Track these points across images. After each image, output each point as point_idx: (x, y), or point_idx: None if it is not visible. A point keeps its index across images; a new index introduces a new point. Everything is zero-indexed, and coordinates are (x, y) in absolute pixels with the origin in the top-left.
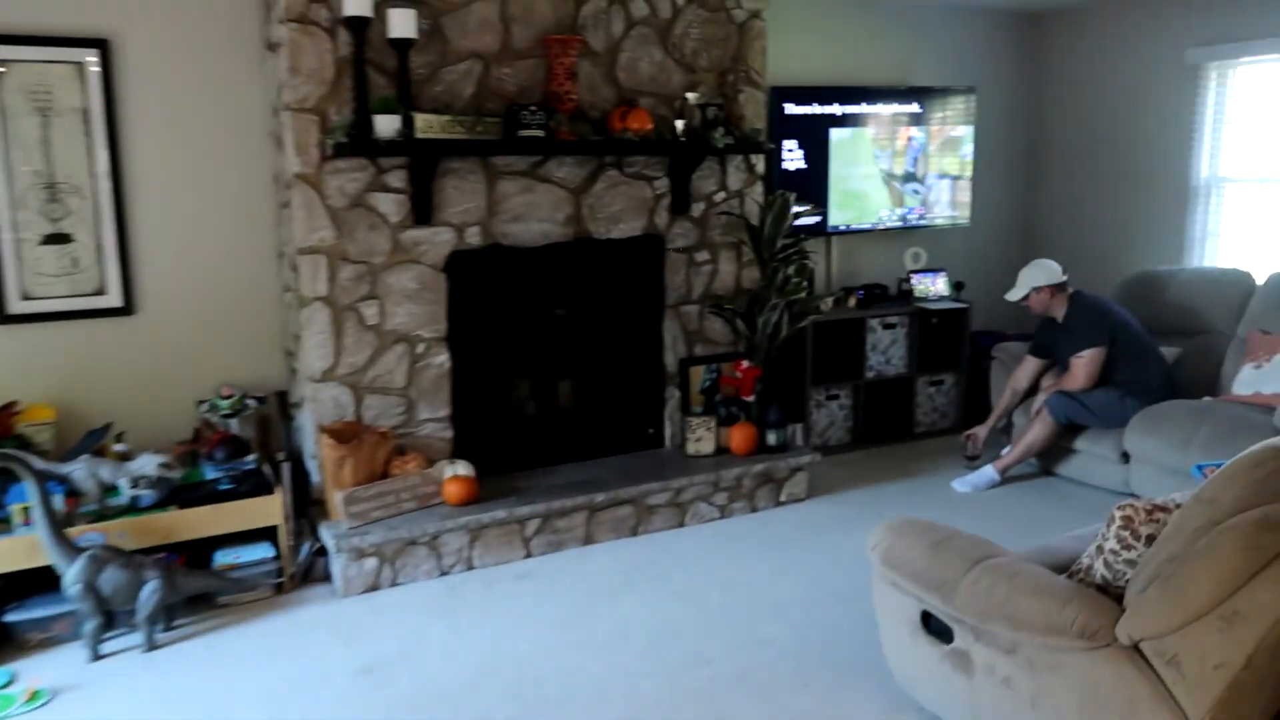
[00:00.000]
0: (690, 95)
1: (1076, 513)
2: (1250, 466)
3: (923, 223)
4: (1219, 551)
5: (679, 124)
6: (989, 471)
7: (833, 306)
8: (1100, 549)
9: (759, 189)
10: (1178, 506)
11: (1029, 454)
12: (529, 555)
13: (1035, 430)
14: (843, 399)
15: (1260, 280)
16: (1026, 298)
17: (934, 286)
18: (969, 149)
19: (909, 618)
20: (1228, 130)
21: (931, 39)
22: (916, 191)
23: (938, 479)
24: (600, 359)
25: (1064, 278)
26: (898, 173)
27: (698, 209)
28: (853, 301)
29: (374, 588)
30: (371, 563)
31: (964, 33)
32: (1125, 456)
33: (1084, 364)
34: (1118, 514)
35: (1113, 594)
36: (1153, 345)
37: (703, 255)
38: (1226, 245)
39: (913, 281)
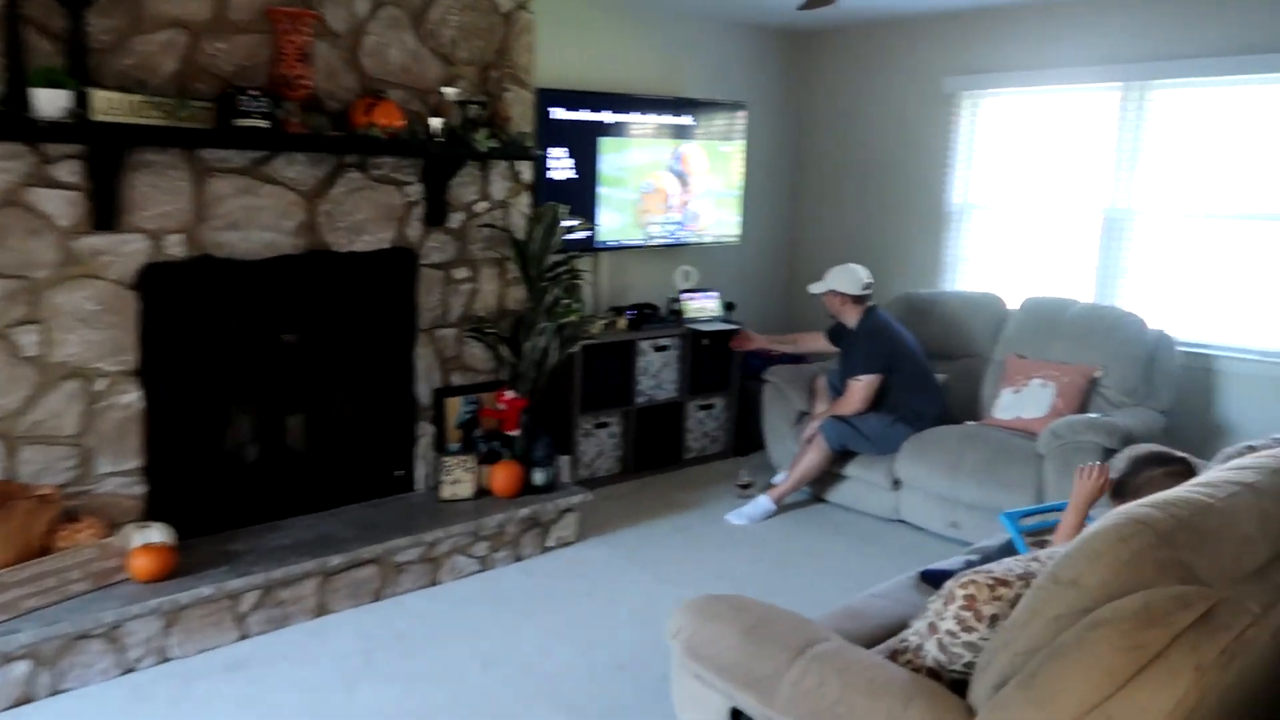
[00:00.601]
0: (448, 90)
1: (852, 541)
2: (1115, 543)
3: (693, 240)
4: (1092, 650)
5: (435, 122)
6: (764, 502)
7: (602, 329)
8: (933, 627)
9: (525, 200)
10: (1021, 580)
11: (803, 481)
12: (245, 637)
13: (810, 457)
14: (612, 427)
15: (1012, 304)
16: (825, 295)
17: (705, 306)
18: (739, 166)
19: (716, 716)
20: (978, 158)
21: (703, 51)
22: (688, 209)
23: (712, 510)
24: (339, 391)
25: (865, 292)
26: (667, 187)
27: (456, 220)
28: (623, 323)
29: (25, 700)
30: (22, 668)
31: (734, 47)
32: (897, 483)
33: (861, 388)
34: (959, 591)
35: (946, 678)
36: (930, 373)
37: (462, 272)
38: (976, 269)
39: (684, 301)
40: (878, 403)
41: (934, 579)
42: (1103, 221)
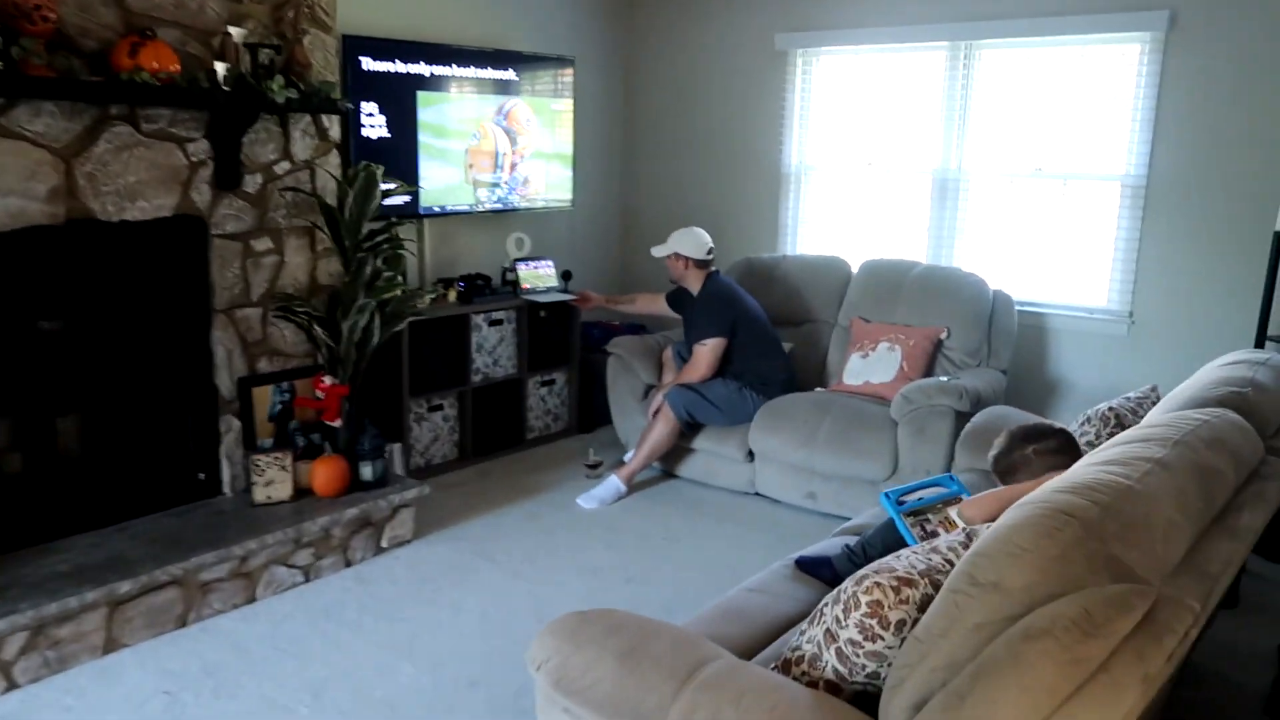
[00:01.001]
0: (235, 31)
1: (711, 520)
2: (1039, 538)
3: (525, 205)
4: (1029, 665)
5: (220, 67)
6: (615, 483)
7: (430, 303)
8: (831, 635)
9: (335, 160)
10: (925, 579)
11: (653, 457)
12: (12, 688)
13: (658, 430)
14: (447, 409)
15: (854, 268)
16: (669, 259)
17: (541, 276)
18: (569, 125)
19: None
20: (813, 118)
21: (527, 1)
22: (515, 173)
23: (562, 494)
24: (121, 386)
25: (708, 256)
26: (495, 145)
27: (253, 183)
28: (453, 295)
29: None
30: None
31: None
32: (751, 455)
33: (707, 352)
34: (862, 597)
35: (847, 691)
36: (776, 338)
37: (263, 243)
38: (815, 232)
39: (519, 271)
40: (723, 369)
41: (811, 567)
42: (934, 182)
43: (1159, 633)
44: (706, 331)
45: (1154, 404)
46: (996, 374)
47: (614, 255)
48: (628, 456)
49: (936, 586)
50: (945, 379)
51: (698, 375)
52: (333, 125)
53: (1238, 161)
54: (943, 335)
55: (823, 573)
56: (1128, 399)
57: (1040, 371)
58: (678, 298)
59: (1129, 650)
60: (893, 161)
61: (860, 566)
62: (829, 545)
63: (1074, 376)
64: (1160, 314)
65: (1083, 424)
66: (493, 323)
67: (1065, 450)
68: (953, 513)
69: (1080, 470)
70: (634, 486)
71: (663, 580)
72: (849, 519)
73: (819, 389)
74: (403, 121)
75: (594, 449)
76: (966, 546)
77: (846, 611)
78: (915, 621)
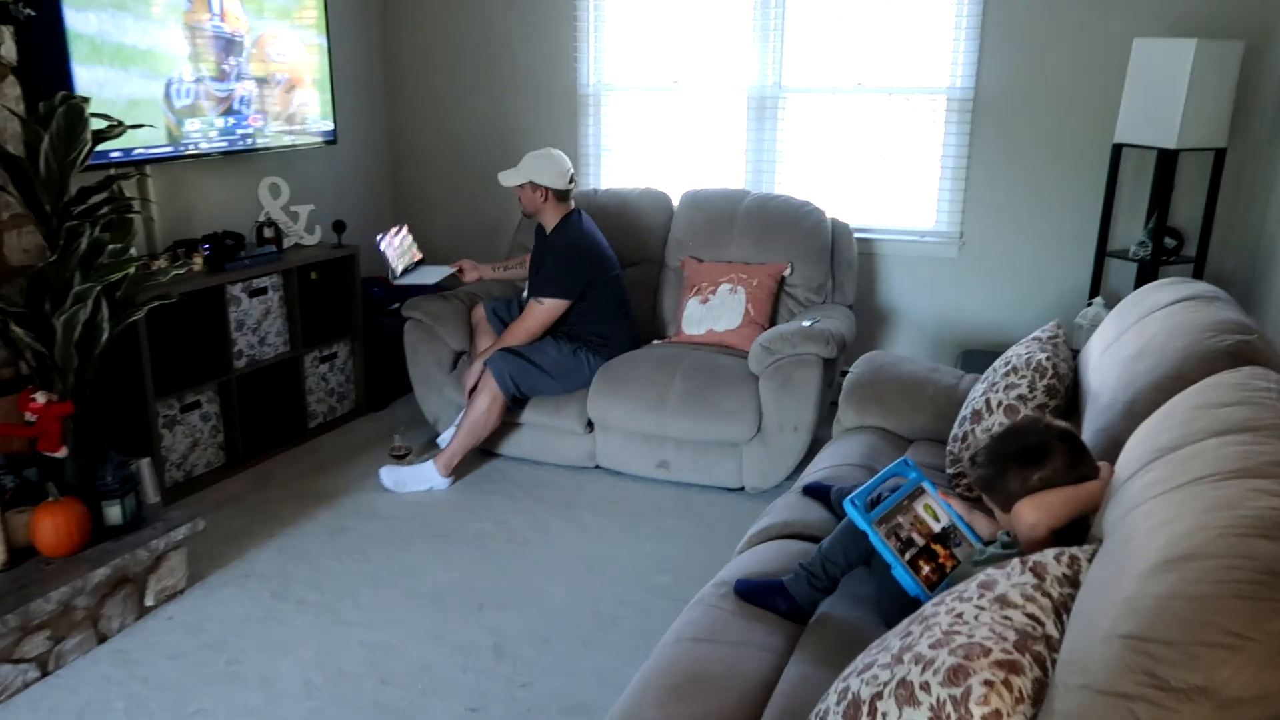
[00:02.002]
0: None
1: (556, 505)
2: (1259, 619)
3: (275, 143)
4: None
5: None
6: (429, 473)
7: (171, 277)
8: None
9: (14, 91)
10: (1025, 654)
11: (477, 439)
12: None
13: (479, 407)
14: (206, 406)
15: (674, 199)
16: (520, 188)
17: (304, 230)
18: (316, 39)
19: None
20: (610, 30)
21: None
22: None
23: (365, 496)
24: None
25: (569, 185)
26: (214, 71)
27: None
28: (198, 262)
29: None
30: None
31: None
32: (590, 425)
33: (544, 313)
34: (976, 710)
35: None
36: (627, 296)
37: None
38: (621, 161)
39: (281, 226)
40: (555, 327)
41: (757, 597)
42: (750, 100)
43: None
44: (549, 288)
45: (1066, 342)
46: (846, 310)
47: (389, 198)
48: (442, 439)
49: (1039, 663)
50: (808, 323)
51: (524, 337)
52: (4, 40)
53: (1070, 72)
54: (785, 272)
55: (776, 603)
56: (1038, 340)
57: (871, 301)
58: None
59: None
60: (703, 79)
61: (825, 592)
62: (762, 558)
63: (906, 304)
64: (992, 233)
65: (1007, 374)
66: (254, 293)
67: (1080, 462)
68: (919, 507)
69: (1221, 494)
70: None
71: (523, 600)
72: (706, 486)
73: (656, 341)
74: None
75: (400, 433)
76: (1043, 591)
77: None
78: None
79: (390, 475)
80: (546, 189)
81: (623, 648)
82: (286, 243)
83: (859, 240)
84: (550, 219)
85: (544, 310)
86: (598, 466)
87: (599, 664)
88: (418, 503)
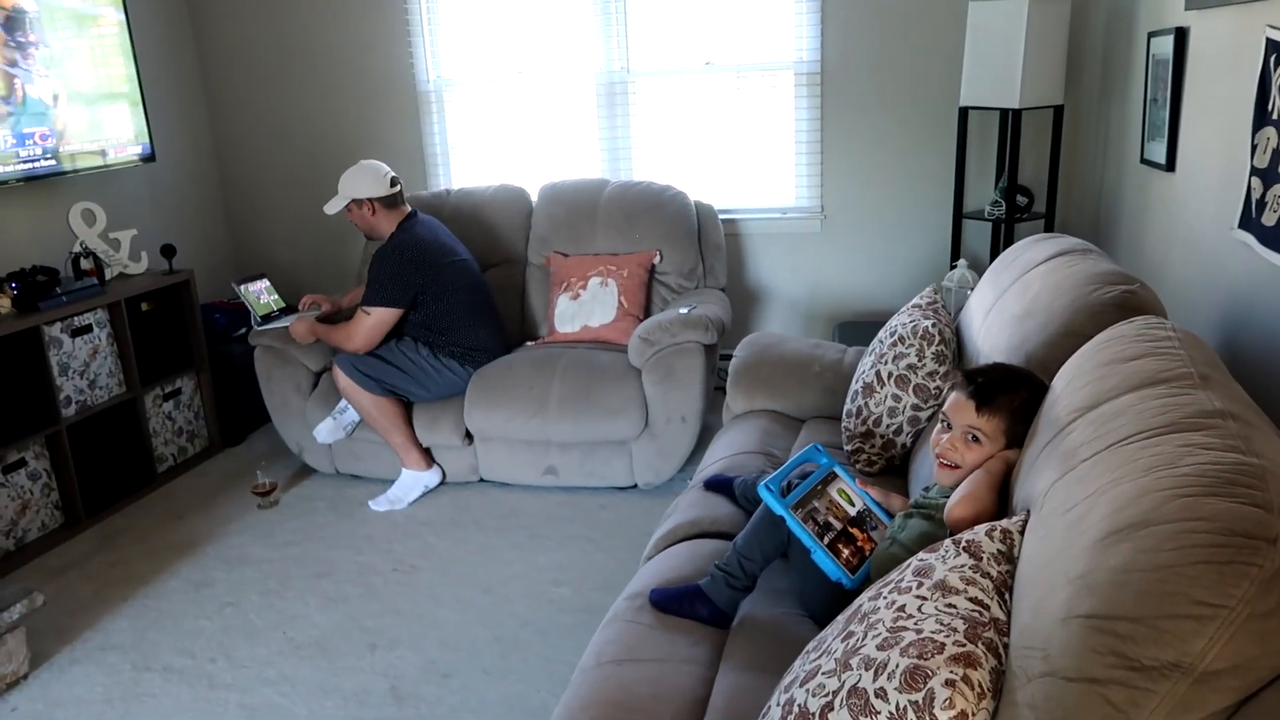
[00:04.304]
0: None
1: (439, 530)
2: (1225, 582)
3: (79, 165)
4: None
5: None
6: (412, 480)
7: None
8: None
9: None
10: (978, 644)
11: (397, 424)
12: None
13: (363, 406)
14: (33, 463)
15: (533, 194)
16: (349, 211)
17: (128, 257)
18: (120, 43)
19: None
20: (445, 23)
21: None
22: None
23: (229, 542)
24: None
25: (394, 189)
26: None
27: None
28: (5, 303)
29: None
30: None
31: None
32: (469, 437)
33: (371, 325)
34: (942, 715)
35: None
36: (491, 300)
37: None
38: (470, 159)
39: (100, 256)
40: (412, 332)
41: (674, 604)
42: (599, 87)
43: None
44: (376, 295)
45: (946, 308)
46: (720, 294)
47: (220, 217)
48: (375, 504)
49: (993, 651)
50: (685, 310)
51: (352, 346)
52: None
53: (912, 39)
54: (655, 260)
55: (696, 610)
56: (919, 307)
57: (742, 282)
58: None
59: None
60: (549, 68)
61: (746, 591)
62: (674, 563)
63: (774, 282)
64: (852, 205)
65: (894, 345)
66: (76, 332)
67: (1035, 406)
68: (834, 492)
69: (1156, 452)
70: (310, 503)
71: (417, 634)
72: (597, 488)
73: (529, 343)
74: None
75: (261, 468)
76: (982, 571)
77: None
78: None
79: (382, 502)
80: (370, 201)
81: (530, 671)
82: (109, 273)
83: (724, 222)
84: (387, 229)
85: (371, 322)
86: (481, 480)
87: (506, 692)
88: (289, 543)
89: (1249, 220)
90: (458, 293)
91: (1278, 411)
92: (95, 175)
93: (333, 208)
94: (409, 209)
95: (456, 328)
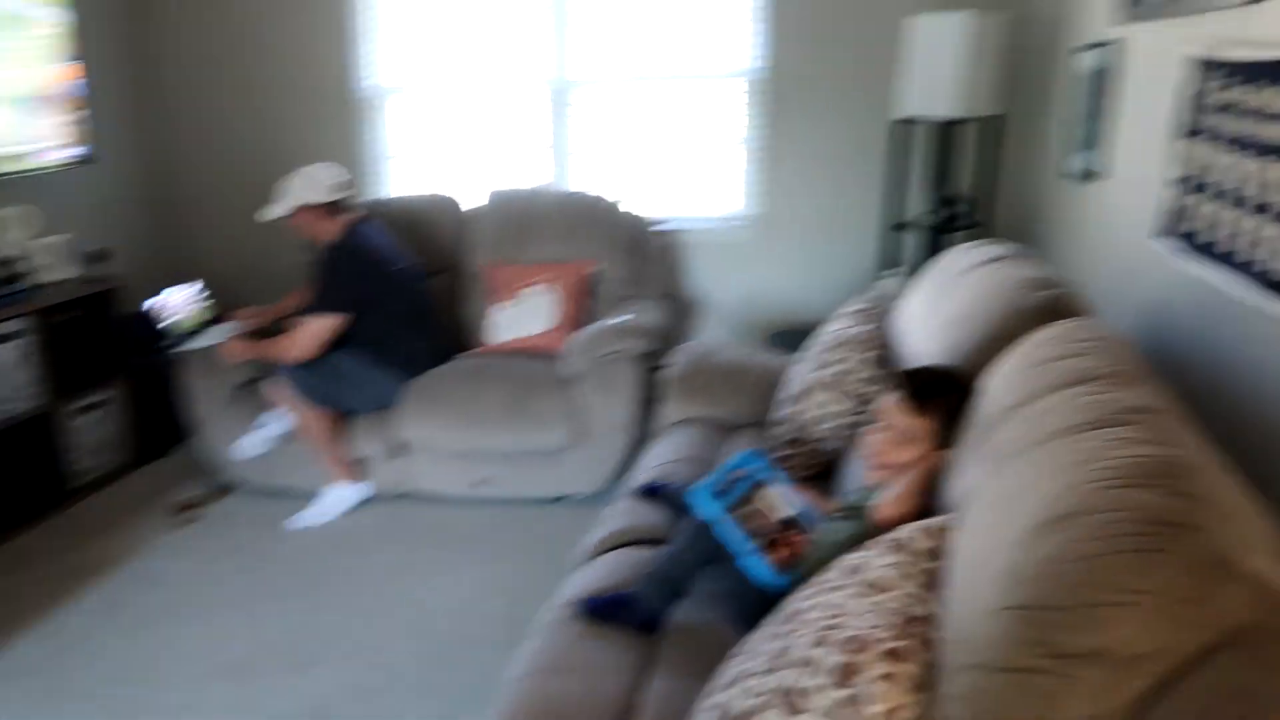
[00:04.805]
0: None
1: (364, 546)
2: (1147, 569)
3: (9, 168)
4: None
5: None
6: (339, 494)
7: None
8: None
9: None
10: (917, 641)
11: (330, 438)
12: None
13: (302, 422)
14: None
15: (474, 203)
16: (291, 217)
17: (55, 263)
18: (62, 55)
19: None
20: (387, 27)
21: None
22: None
23: (144, 562)
24: None
25: (342, 195)
26: None
27: None
28: None
29: None
30: None
31: None
32: (398, 448)
33: (318, 330)
34: (873, 708)
35: None
36: (430, 308)
37: None
38: (412, 166)
39: (25, 261)
40: (351, 338)
41: (605, 613)
42: (551, 94)
43: None
44: (322, 303)
45: (879, 315)
46: (657, 303)
47: (164, 220)
48: (295, 523)
49: (925, 645)
50: (622, 319)
51: (295, 355)
52: None
53: (854, 50)
54: (594, 269)
55: (627, 617)
56: (854, 314)
57: (678, 290)
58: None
59: None
60: (492, 76)
61: (678, 597)
62: (606, 570)
63: (711, 290)
64: (791, 214)
65: (830, 351)
66: None
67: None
68: (766, 496)
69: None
70: (227, 520)
71: (343, 653)
72: (530, 499)
73: (465, 353)
74: None
75: (182, 484)
76: (913, 568)
77: None
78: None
79: (307, 517)
80: (316, 206)
81: (460, 688)
82: (34, 280)
83: (663, 230)
84: (331, 235)
85: (316, 329)
86: (411, 493)
87: (436, 711)
88: (209, 561)
89: (1169, 229)
90: (401, 301)
91: (1195, 407)
92: (27, 179)
93: (275, 213)
94: (356, 214)
95: (397, 337)
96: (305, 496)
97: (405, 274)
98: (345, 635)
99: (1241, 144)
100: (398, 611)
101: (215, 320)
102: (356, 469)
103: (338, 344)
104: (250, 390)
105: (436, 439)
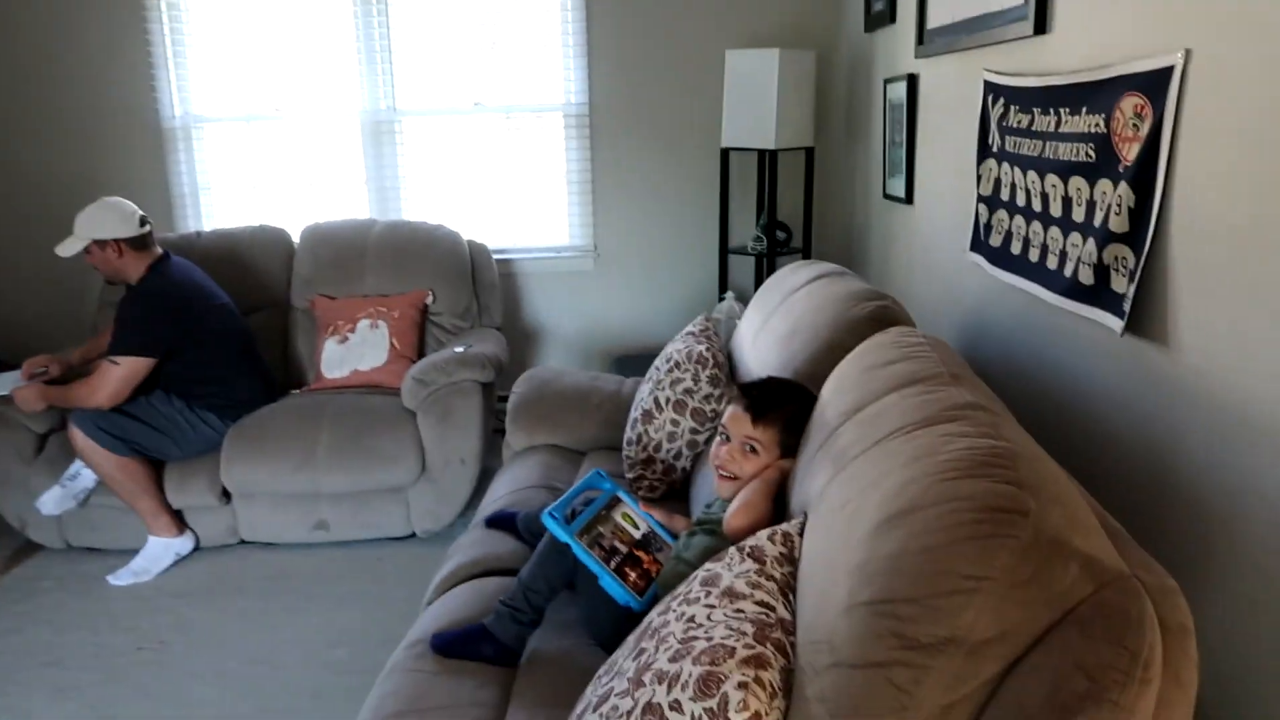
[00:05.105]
0: None
1: (196, 599)
2: (989, 556)
3: None
4: None
5: None
6: (160, 548)
7: None
8: None
9: None
10: (766, 645)
11: (144, 486)
12: None
13: (104, 469)
14: None
15: (294, 236)
16: (88, 253)
17: None
18: None
19: None
20: (194, 58)
21: None
22: None
23: None
24: None
25: (143, 229)
26: None
27: None
28: None
29: None
30: None
31: None
32: (226, 496)
33: (121, 375)
34: (736, 718)
35: None
36: (254, 349)
37: None
38: (225, 199)
39: None
40: (164, 383)
41: (460, 648)
42: (364, 126)
43: (1179, 636)
44: (126, 345)
45: (717, 334)
46: (496, 332)
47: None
48: (120, 578)
49: (782, 651)
50: (460, 349)
51: (96, 401)
52: None
53: (675, 84)
54: (428, 300)
55: (481, 650)
56: (693, 335)
57: (518, 321)
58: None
59: (1168, 676)
60: (309, 105)
61: (533, 625)
62: (456, 604)
63: (551, 321)
64: (624, 243)
65: (671, 371)
66: None
67: (806, 415)
68: (618, 516)
69: (918, 444)
70: (38, 583)
71: (176, 719)
72: (373, 540)
73: (295, 391)
74: None
75: None
76: (766, 574)
77: None
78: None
79: (125, 575)
80: (115, 242)
81: None
82: None
83: (498, 261)
84: (135, 273)
85: (120, 371)
86: (243, 541)
87: None
88: (10, 631)
89: (978, 243)
90: (218, 340)
91: (1011, 404)
92: None
93: (68, 250)
94: (160, 251)
95: (216, 378)
96: (125, 553)
97: (223, 311)
98: (174, 699)
99: (1024, 161)
100: (234, 669)
101: (4, 368)
102: (177, 521)
103: (148, 387)
104: (58, 439)
105: (267, 483)
